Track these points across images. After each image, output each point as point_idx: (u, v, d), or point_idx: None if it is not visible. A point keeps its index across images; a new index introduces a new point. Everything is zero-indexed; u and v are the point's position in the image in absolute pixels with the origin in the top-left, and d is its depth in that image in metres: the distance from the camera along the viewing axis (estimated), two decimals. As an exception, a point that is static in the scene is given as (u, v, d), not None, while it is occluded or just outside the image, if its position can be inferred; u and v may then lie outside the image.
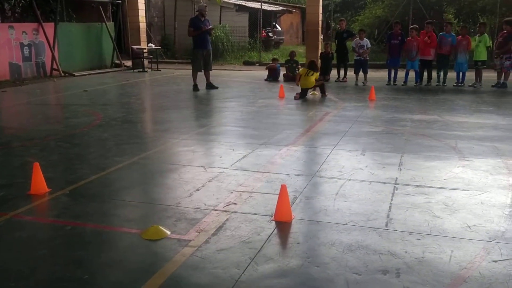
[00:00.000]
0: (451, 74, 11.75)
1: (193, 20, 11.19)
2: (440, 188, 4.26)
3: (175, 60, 19.84)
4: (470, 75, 11.69)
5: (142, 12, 17.51)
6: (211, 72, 11.56)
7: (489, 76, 11.75)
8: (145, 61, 16.54)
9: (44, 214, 3.94)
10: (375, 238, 3.26)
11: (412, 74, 11.95)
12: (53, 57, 14.45)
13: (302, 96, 9.87)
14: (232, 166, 4.98)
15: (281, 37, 26.43)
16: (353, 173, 4.71)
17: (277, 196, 3.65)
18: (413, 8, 17.45)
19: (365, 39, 12.46)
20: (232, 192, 4.19)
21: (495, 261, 2.93)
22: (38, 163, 4.28)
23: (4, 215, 3.74)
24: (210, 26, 11.28)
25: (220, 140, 6.27)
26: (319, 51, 14.72)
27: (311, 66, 10.13)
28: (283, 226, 3.50)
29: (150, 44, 17.91)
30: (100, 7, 16.75)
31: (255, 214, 3.71)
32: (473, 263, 2.90)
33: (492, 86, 11.29)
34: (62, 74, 14.59)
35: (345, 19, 14.74)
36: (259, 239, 3.27)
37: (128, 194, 4.27)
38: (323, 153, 5.48)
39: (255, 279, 2.76)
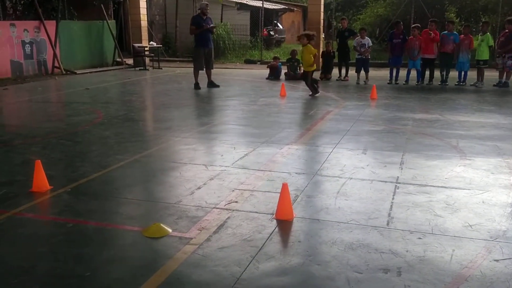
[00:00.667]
0: (453, 73, 11.74)
1: (195, 18, 11.20)
2: (442, 187, 4.26)
3: (176, 58, 19.85)
4: (472, 74, 11.68)
5: (143, 10, 17.50)
6: (213, 71, 11.55)
7: (491, 75, 11.73)
8: (146, 59, 16.54)
9: (46, 212, 3.94)
10: (376, 237, 3.26)
11: (413, 73, 11.94)
12: (55, 55, 14.45)
13: (313, 90, 9.71)
14: (233, 165, 4.98)
15: (282, 36, 26.42)
16: (355, 171, 4.71)
17: (279, 194, 3.65)
18: (414, 7, 17.43)
19: (366, 38, 12.46)
20: (233, 191, 4.20)
21: (496, 260, 2.93)
22: (39, 160, 4.29)
23: (6, 212, 3.74)
24: (212, 25, 11.28)
25: (221, 139, 6.28)
26: (321, 50, 14.72)
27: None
28: (284, 225, 3.50)
29: (151, 42, 17.92)
30: (102, 5, 16.74)
31: (257, 212, 3.71)
32: (474, 262, 2.90)
33: (494, 85, 11.28)
34: (64, 72, 14.60)
35: (347, 18, 14.74)
36: (260, 237, 3.27)
37: (130, 192, 4.27)
38: (325, 152, 5.48)
39: (256, 277, 2.77)
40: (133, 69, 16.29)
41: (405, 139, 6.12)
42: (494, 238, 3.23)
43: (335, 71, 13.22)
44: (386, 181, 4.42)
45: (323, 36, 16.75)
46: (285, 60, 14.01)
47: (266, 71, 13.71)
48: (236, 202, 3.92)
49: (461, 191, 4.14)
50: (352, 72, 12.79)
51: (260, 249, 3.09)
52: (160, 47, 18.34)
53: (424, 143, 5.90)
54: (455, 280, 2.72)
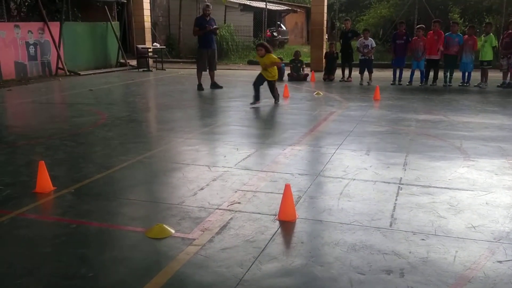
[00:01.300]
0: (457, 74, 11.71)
1: (198, 20, 11.22)
2: (445, 188, 4.25)
3: (179, 60, 19.89)
4: (476, 75, 11.65)
5: (147, 12, 17.57)
6: (216, 72, 11.57)
7: (495, 76, 11.70)
8: (150, 61, 16.58)
9: (49, 212, 3.95)
10: (379, 238, 3.25)
11: (417, 74, 11.92)
12: (59, 56, 14.51)
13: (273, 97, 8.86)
14: (236, 166, 4.98)
15: (285, 37, 26.45)
16: (358, 172, 4.71)
17: (281, 195, 3.65)
18: (418, 8, 17.41)
19: (370, 38, 12.44)
20: (236, 191, 4.20)
21: (500, 262, 2.92)
22: (43, 161, 4.30)
23: (9, 213, 3.75)
24: (215, 26, 11.29)
25: (224, 140, 6.28)
26: (324, 51, 14.72)
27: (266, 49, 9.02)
28: (287, 226, 3.50)
29: (155, 44, 17.97)
30: (106, 6, 16.81)
31: (259, 213, 3.71)
32: (477, 264, 2.89)
33: (498, 86, 11.25)
34: (68, 73, 14.65)
35: (350, 19, 14.72)
36: (263, 238, 3.27)
37: (133, 193, 4.28)
38: (327, 153, 5.48)
39: (259, 278, 2.76)
40: (137, 70, 16.34)
41: (408, 140, 6.10)
42: (497, 239, 3.22)
43: (338, 72, 13.21)
44: (389, 182, 4.41)
45: (326, 37, 16.72)
46: (289, 61, 14.00)
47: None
48: (239, 203, 3.92)
49: (464, 192, 4.13)
50: (355, 73, 12.78)
51: (262, 250, 3.09)
52: (164, 48, 18.38)
53: (428, 144, 5.89)
54: (458, 281, 2.71)
